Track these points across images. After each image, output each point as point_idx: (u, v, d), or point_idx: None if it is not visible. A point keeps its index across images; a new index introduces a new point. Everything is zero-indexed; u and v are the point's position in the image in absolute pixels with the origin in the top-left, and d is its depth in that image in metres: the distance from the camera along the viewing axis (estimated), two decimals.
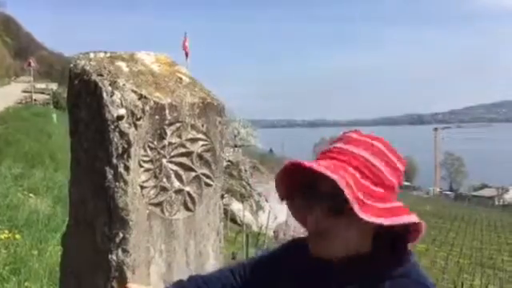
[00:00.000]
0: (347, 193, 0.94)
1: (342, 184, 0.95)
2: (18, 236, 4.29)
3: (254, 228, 20.89)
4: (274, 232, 21.71)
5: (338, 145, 1.07)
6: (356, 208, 0.95)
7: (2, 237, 4.17)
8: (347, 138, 1.08)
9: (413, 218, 1.00)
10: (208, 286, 1.29)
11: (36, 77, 33.33)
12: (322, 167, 0.98)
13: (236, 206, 20.57)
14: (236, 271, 1.30)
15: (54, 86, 36.46)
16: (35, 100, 27.73)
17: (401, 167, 1.07)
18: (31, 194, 6.29)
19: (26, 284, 3.54)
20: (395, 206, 1.02)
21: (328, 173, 0.96)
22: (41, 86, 35.29)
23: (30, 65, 29.38)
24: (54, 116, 19.79)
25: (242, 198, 21.80)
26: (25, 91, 31.38)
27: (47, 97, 30.59)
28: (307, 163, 1.01)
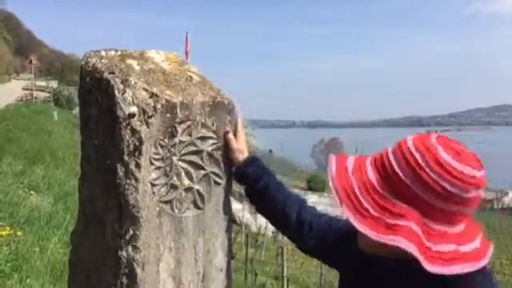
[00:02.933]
0: (418, 256, 0.92)
1: (415, 252, 0.92)
2: (19, 233, 4.28)
3: (253, 228, 20.91)
4: (273, 232, 21.72)
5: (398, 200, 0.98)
6: (424, 262, 0.93)
7: (4, 233, 4.16)
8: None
9: (469, 267, 0.94)
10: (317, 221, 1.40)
11: (36, 74, 33.30)
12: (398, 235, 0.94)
13: (235, 206, 20.60)
14: (333, 224, 1.35)
15: (54, 84, 36.51)
16: (35, 98, 27.69)
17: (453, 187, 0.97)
18: (32, 191, 6.28)
19: (28, 281, 3.54)
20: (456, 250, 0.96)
21: (402, 246, 0.93)
22: (41, 83, 35.33)
23: (31, 62, 29.28)
24: (55, 114, 19.77)
25: (242, 198, 21.80)
26: (25, 88, 31.38)
27: (47, 94, 30.57)
28: (383, 237, 0.95)
